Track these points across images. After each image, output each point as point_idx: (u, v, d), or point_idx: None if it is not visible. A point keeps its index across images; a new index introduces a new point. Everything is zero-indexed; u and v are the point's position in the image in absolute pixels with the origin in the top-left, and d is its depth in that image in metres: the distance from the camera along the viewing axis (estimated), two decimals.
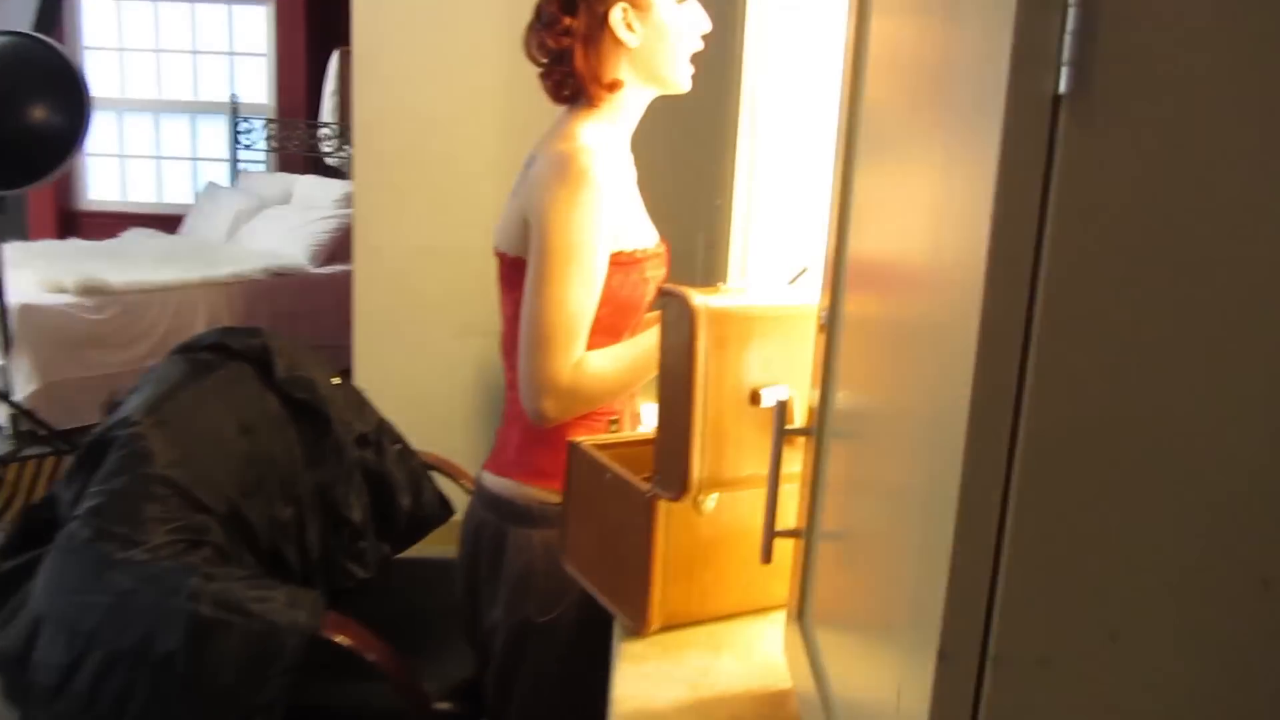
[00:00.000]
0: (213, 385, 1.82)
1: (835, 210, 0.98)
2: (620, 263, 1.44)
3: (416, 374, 3.24)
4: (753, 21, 1.95)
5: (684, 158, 2.30)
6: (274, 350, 1.88)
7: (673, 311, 1.12)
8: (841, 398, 0.96)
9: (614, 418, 1.50)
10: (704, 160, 2.27)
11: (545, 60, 1.47)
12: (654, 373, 1.45)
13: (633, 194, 1.51)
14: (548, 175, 1.39)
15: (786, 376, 1.16)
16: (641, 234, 1.49)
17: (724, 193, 2.11)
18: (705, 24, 1.49)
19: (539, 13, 1.47)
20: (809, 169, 1.93)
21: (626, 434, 1.47)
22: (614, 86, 1.45)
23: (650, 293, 1.52)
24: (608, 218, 1.39)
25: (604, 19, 1.42)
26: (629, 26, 1.43)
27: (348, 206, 5.02)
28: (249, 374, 1.85)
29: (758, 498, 1.18)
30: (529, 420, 1.43)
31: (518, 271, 1.45)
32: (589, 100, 1.45)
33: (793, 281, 1.50)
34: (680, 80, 1.48)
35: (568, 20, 1.43)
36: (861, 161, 0.93)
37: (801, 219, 1.94)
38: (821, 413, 1.00)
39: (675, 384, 1.12)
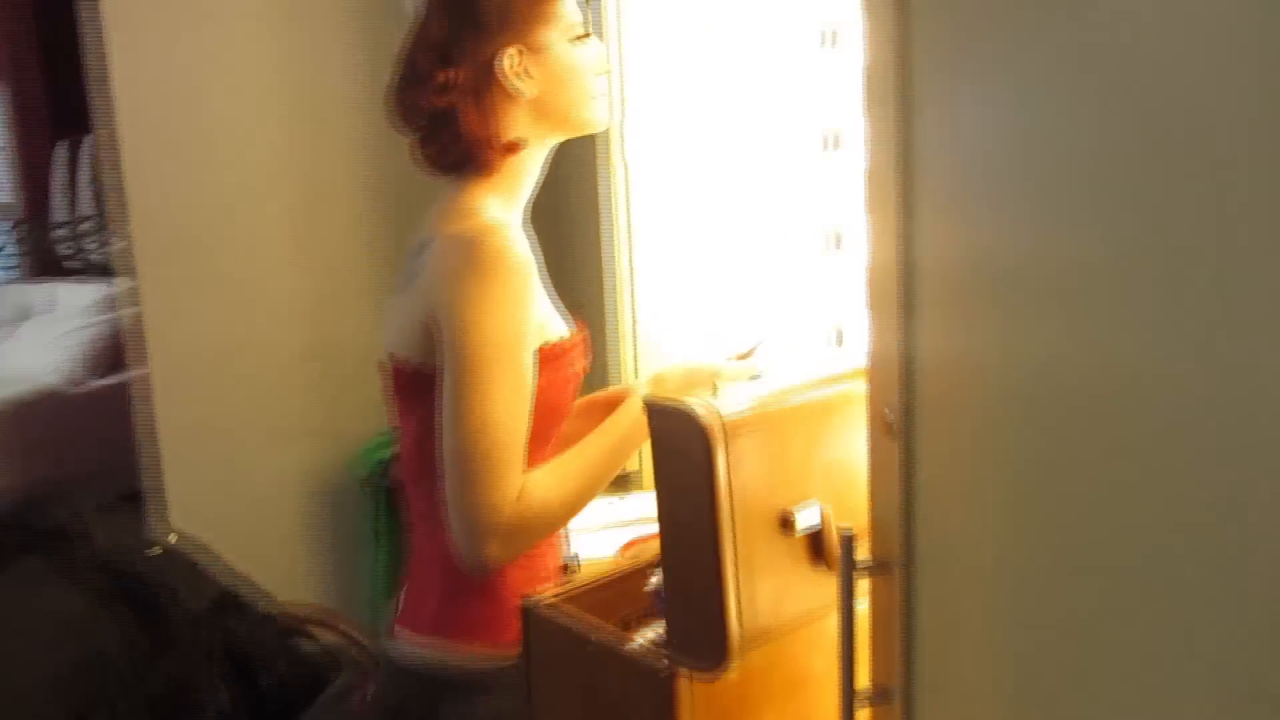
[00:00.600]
0: (10, 580, 1.40)
1: (889, 218, 0.73)
2: (546, 358, 1.17)
3: (237, 490, 2.82)
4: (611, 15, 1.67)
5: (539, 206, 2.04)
6: (85, 521, 1.48)
7: (674, 431, 0.86)
8: (944, 516, 0.74)
9: (573, 555, 1.23)
10: (563, 205, 2.02)
11: (422, 124, 1.19)
12: (607, 482, 1.20)
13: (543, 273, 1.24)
14: (453, 264, 1.11)
15: (817, 485, 0.93)
16: (559, 319, 1.23)
17: (595, 254, 1.86)
18: (605, 64, 1.25)
19: (408, 67, 1.19)
20: (711, 191, 1.70)
21: (582, 577, 1.19)
22: (513, 148, 1.18)
23: (577, 389, 1.26)
24: (531, 307, 1.13)
25: (491, 68, 1.16)
26: (522, 74, 1.17)
27: (114, 310, 4.44)
28: (57, 555, 1.44)
29: (795, 639, 0.94)
30: (457, 566, 1.14)
31: (421, 383, 1.15)
32: (481, 167, 1.18)
33: (744, 357, 1.27)
34: (595, 118, 1.25)
35: (447, 74, 1.15)
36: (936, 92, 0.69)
37: (708, 263, 1.71)
38: (907, 540, 0.77)
39: (689, 523, 0.87)
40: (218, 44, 2.43)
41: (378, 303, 2.75)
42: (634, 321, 1.75)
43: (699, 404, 0.86)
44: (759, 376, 1.19)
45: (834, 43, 1.51)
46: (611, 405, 1.25)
